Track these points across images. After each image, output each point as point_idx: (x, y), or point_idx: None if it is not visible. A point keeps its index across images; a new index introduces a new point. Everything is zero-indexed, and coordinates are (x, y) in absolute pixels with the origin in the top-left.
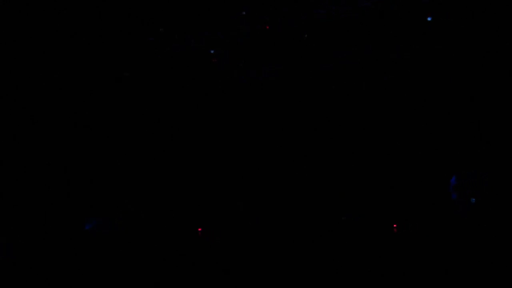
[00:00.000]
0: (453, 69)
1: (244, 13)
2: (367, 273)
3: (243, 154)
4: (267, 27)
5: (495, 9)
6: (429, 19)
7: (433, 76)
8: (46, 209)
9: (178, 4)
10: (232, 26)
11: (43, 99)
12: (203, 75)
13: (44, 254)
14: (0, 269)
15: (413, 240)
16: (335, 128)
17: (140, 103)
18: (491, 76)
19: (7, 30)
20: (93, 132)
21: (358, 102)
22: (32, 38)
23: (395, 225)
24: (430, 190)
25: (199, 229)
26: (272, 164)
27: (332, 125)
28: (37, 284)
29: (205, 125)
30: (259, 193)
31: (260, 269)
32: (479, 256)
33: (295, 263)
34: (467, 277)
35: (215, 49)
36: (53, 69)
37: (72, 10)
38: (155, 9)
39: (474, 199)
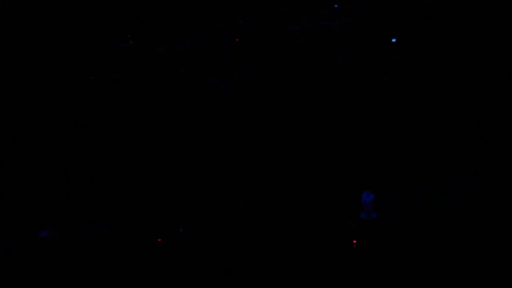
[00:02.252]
0: (453, 69)
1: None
2: (367, 273)
3: (243, 154)
4: (237, 40)
5: (495, 9)
6: (393, 40)
7: (433, 76)
8: (45, 209)
9: (179, 4)
10: (232, 26)
11: (43, 100)
12: (203, 75)
13: (44, 254)
14: (0, 269)
15: (412, 240)
16: (335, 128)
17: (141, 104)
18: (491, 76)
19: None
20: (93, 132)
21: (358, 102)
22: (30, 39)
23: (354, 241)
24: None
25: (159, 239)
26: (272, 164)
27: (332, 125)
28: (37, 284)
29: (205, 125)
30: (259, 193)
31: (260, 269)
32: (479, 256)
33: (295, 263)
34: (467, 277)
35: (215, 49)
36: (53, 70)
37: (71, 10)
38: (156, 9)
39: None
